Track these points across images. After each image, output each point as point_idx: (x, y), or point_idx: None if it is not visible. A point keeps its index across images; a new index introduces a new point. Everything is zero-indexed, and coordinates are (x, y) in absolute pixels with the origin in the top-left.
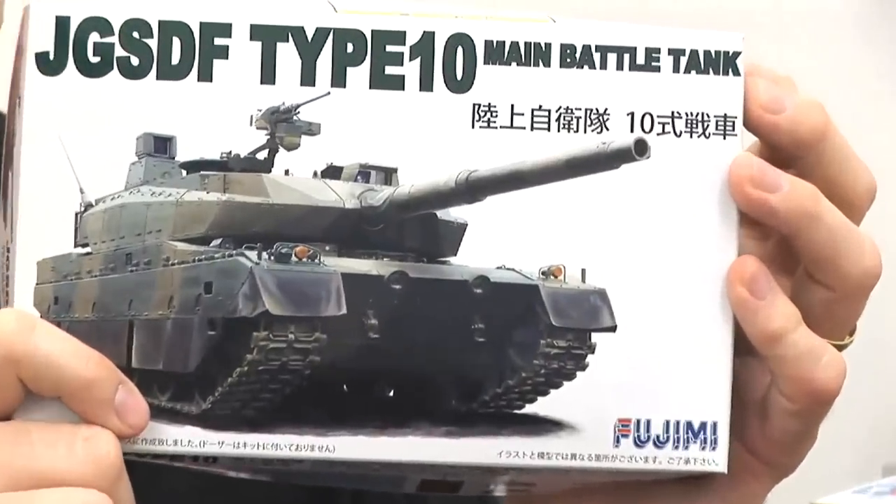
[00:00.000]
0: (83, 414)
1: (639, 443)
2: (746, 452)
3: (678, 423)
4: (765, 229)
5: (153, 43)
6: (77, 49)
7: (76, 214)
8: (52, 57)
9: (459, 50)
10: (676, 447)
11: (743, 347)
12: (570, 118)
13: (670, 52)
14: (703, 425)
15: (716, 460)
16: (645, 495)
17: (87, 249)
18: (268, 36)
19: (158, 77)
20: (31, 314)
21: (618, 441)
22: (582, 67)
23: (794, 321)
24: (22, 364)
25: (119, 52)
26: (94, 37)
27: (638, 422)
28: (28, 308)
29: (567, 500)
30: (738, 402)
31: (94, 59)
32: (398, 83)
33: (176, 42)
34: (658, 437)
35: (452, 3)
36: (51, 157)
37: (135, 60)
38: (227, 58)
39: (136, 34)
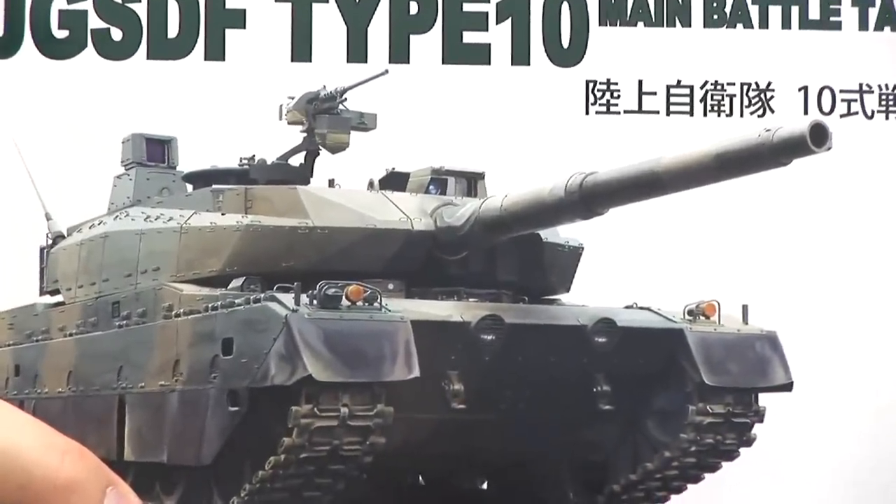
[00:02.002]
0: None
1: None
2: None
3: None
4: None
5: (141, 8)
6: (36, 21)
7: (41, 250)
8: (1, 32)
9: (565, 6)
10: None
11: None
12: (719, 97)
13: (855, 1)
14: None
15: None
16: None
17: (59, 298)
18: None
19: (150, 55)
20: None
21: None
22: (734, 26)
23: None
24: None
25: (94, 22)
26: (61, 3)
27: None
28: None
29: None
30: None
31: (61, 34)
32: (482, 55)
33: (173, 7)
34: None
35: None
36: (2, 170)
37: (116, 34)
38: (243, 26)
39: None
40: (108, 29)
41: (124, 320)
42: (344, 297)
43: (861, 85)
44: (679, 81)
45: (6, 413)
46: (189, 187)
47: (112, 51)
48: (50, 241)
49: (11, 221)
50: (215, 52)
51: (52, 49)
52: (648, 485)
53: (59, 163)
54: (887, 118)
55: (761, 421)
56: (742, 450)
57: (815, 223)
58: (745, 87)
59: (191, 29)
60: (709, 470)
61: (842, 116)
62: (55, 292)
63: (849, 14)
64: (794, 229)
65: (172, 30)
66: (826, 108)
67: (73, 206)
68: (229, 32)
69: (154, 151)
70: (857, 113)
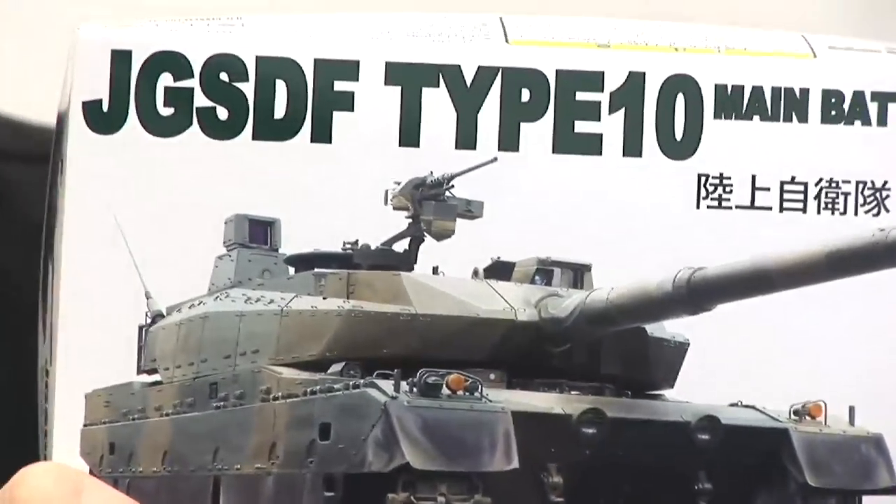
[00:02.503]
0: None
1: None
2: None
3: None
4: None
5: (248, 88)
6: (142, 97)
7: (140, 328)
8: (106, 107)
9: (680, 98)
10: None
11: None
12: (834, 195)
13: None
14: None
15: None
16: None
17: (156, 377)
18: (410, 77)
19: (255, 136)
20: (76, 471)
21: None
22: (852, 123)
23: None
24: None
25: (200, 100)
26: (167, 79)
27: None
28: (73, 459)
29: None
30: None
31: (166, 112)
32: (593, 145)
33: (281, 87)
34: None
35: (665, 26)
36: (104, 246)
37: (223, 113)
38: (352, 109)
39: (224, 76)
40: (215, 108)
41: (222, 402)
42: (444, 386)
43: None
44: (793, 178)
45: (101, 493)
46: (291, 270)
47: (217, 130)
48: (149, 320)
49: (111, 299)
50: (322, 134)
51: (157, 126)
52: None
53: (160, 242)
54: None
55: None
56: None
57: None
58: (861, 186)
59: (298, 110)
60: None
61: None
62: (152, 371)
63: None
64: None
65: (279, 110)
66: None
67: (173, 286)
68: (337, 115)
69: (257, 233)
70: None
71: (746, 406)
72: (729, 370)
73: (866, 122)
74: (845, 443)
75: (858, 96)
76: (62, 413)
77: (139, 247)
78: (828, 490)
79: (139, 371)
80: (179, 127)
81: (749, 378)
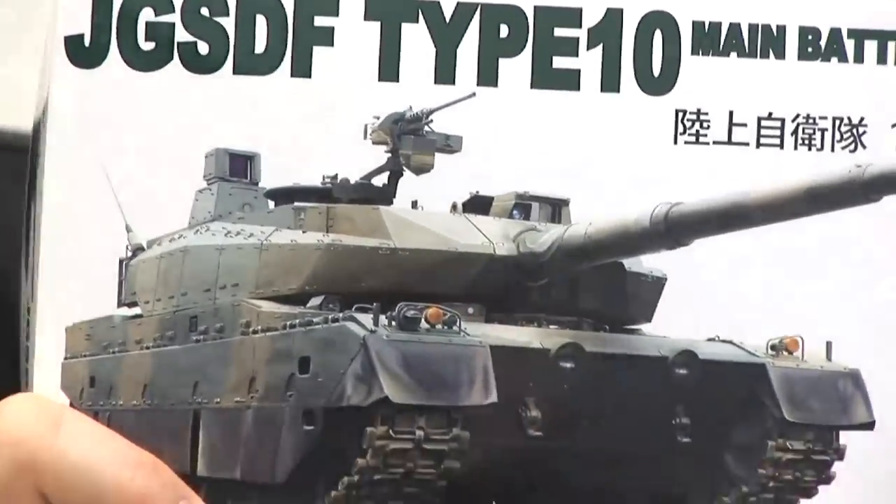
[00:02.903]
0: None
1: None
2: None
3: None
4: None
5: (229, 23)
6: (123, 31)
7: (121, 262)
8: (88, 42)
9: (658, 34)
10: None
11: None
12: (811, 131)
13: None
14: None
15: None
16: None
17: (137, 311)
18: (390, 13)
19: (236, 70)
20: (56, 404)
21: None
22: (828, 59)
23: None
24: (42, 475)
25: (182, 35)
26: (148, 14)
27: None
28: (54, 393)
29: None
30: None
31: (147, 46)
32: (571, 80)
33: (261, 21)
34: None
35: None
36: (85, 181)
37: (203, 48)
38: (331, 44)
39: (205, 10)
40: (195, 42)
41: (202, 335)
42: (423, 320)
43: None
44: (770, 114)
45: (81, 425)
46: (271, 204)
47: (198, 65)
48: (129, 254)
49: (91, 233)
50: (302, 69)
51: (138, 61)
52: None
53: (141, 176)
54: None
55: (841, 459)
56: (821, 487)
57: None
58: (838, 122)
59: (278, 45)
60: None
61: None
62: (133, 304)
63: None
64: (882, 267)
65: (260, 45)
66: None
67: (153, 220)
68: (317, 49)
69: (237, 167)
70: None
71: (724, 341)
72: (706, 305)
73: (843, 59)
74: (822, 378)
75: (835, 33)
76: (43, 346)
77: (120, 181)
78: (805, 425)
79: (119, 304)
80: (160, 61)
81: (727, 313)
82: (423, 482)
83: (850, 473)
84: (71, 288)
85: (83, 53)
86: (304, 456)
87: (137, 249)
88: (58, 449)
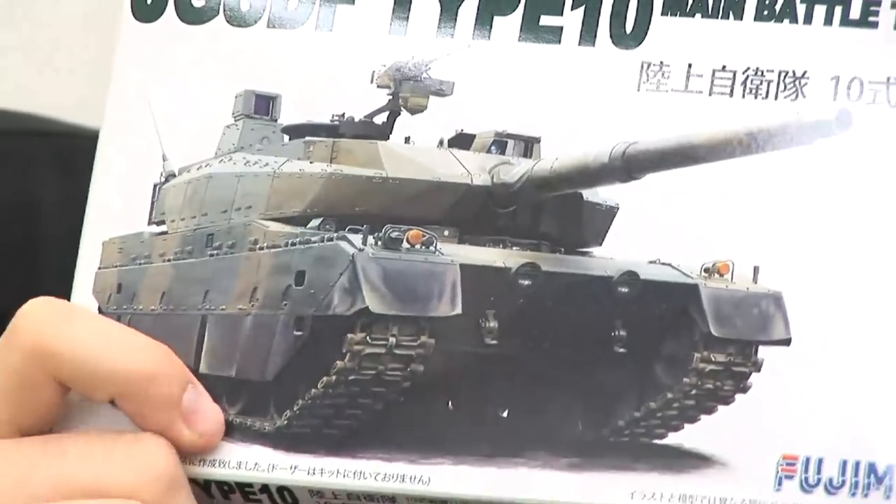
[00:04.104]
0: (141, 419)
1: (806, 487)
2: None
3: (857, 464)
4: None
5: None
6: None
7: (155, 186)
8: (149, 1)
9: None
10: (854, 494)
11: None
12: (758, 82)
13: (894, 4)
14: (889, 470)
15: None
16: None
17: (163, 228)
18: None
19: (269, 25)
20: (64, 301)
21: (780, 483)
22: (781, 21)
23: None
24: (57, 360)
25: None
26: None
27: (807, 460)
28: (87, 297)
29: None
30: None
31: (199, 2)
32: (554, 35)
33: None
34: (831, 479)
35: None
36: (135, 118)
37: (245, 5)
38: (352, 2)
39: None
40: (239, 0)
41: (215, 250)
42: (405, 240)
43: (889, 77)
44: (724, 66)
45: (87, 318)
46: (285, 138)
47: (239, 19)
48: (163, 179)
49: (134, 161)
50: (325, 23)
51: (189, 16)
52: (650, 422)
53: (181, 113)
54: None
55: (758, 371)
56: (738, 396)
57: (830, 198)
58: (783, 74)
59: (306, 3)
60: (706, 412)
61: (868, 104)
62: (161, 223)
63: (886, 15)
64: (811, 200)
65: (292, 4)
66: (854, 97)
67: (189, 151)
68: (339, 7)
69: (260, 105)
70: (882, 102)
71: (663, 264)
72: (651, 231)
73: (794, 20)
74: (747, 298)
75: None
76: (84, 258)
77: (164, 117)
78: (728, 340)
79: (149, 222)
80: (207, 17)
81: (667, 237)
82: (390, 383)
83: (766, 384)
84: (111, 208)
85: (145, 10)
86: (292, 358)
87: (170, 175)
88: (71, 336)
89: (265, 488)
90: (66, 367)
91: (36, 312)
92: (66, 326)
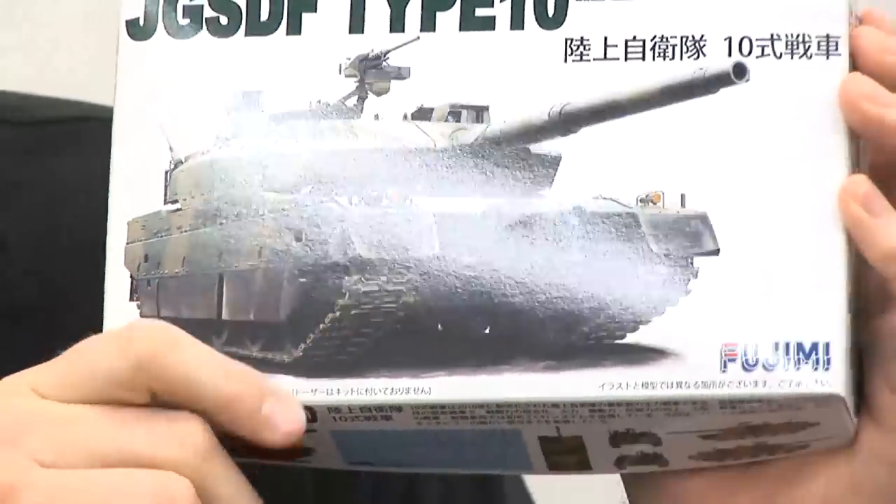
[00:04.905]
0: (227, 427)
1: (747, 367)
2: (894, 396)
3: (788, 344)
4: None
5: (241, 2)
6: (166, 12)
7: (166, 172)
8: (141, 23)
9: None
10: (787, 369)
11: (872, 295)
12: (665, 46)
13: None
14: (814, 346)
15: (830, 381)
16: (793, 476)
17: (177, 206)
18: None
19: (247, 34)
20: (173, 328)
21: (724, 366)
22: None
23: None
24: (165, 376)
25: (208, 12)
26: (183, 1)
27: (745, 345)
28: (119, 268)
29: (708, 489)
30: (876, 350)
31: (183, 22)
32: (489, 24)
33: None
34: (767, 359)
35: None
36: (142, 119)
37: (223, 19)
38: (315, 10)
39: None
40: (218, 16)
41: (224, 220)
42: (384, 197)
43: (772, 34)
44: (634, 36)
45: (189, 347)
46: (273, 125)
47: (220, 32)
48: (172, 166)
49: (146, 154)
50: (294, 28)
51: (177, 33)
52: (609, 327)
53: (180, 112)
54: (792, 58)
55: (696, 277)
56: (680, 299)
57: (736, 135)
58: (684, 39)
59: (277, 13)
60: (656, 314)
61: (757, 58)
62: (174, 202)
63: None
64: (722, 138)
65: (264, 15)
66: (745, 52)
67: (190, 141)
68: (305, 15)
69: (250, 101)
70: (769, 55)
71: (605, 199)
72: (591, 172)
73: None
74: (679, 219)
75: None
76: (112, 238)
77: (166, 117)
78: (667, 254)
79: (165, 202)
80: (193, 32)
81: (606, 177)
82: (387, 313)
83: (704, 287)
84: (131, 194)
85: (138, 31)
86: (299, 300)
87: (178, 163)
88: (181, 359)
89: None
90: (164, 388)
91: (154, 331)
92: (178, 349)
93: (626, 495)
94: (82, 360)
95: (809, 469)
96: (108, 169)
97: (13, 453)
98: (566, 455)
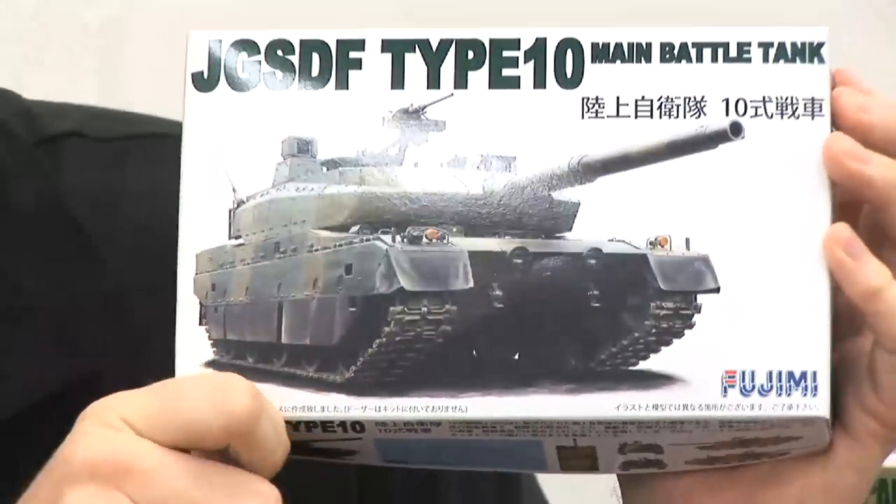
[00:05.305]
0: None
1: (744, 392)
2: (865, 414)
3: (780, 372)
4: (846, 211)
5: (295, 59)
6: (228, 67)
7: (229, 211)
8: (206, 76)
9: (569, 52)
10: (780, 395)
11: (846, 323)
12: (670, 106)
13: (760, 44)
14: (803, 374)
15: (817, 406)
16: (771, 479)
17: (240, 241)
18: (397, 48)
19: (300, 87)
20: (261, 393)
21: (725, 391)
22: (680, 62)
23: (888, 278)
24: (240, 442)
25: (265, 68)
26: (243, 56)
27: (743, 373)
28: (190, 296)
29: (696, 488)
30: (850, 371)
31: (243, 76)
32: (514, 83)
33: (315, 57)
34: (762, 385)
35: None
36: (207, 163)
37: (279, 74)
38: (360, 68)
39: (279, 52)
40: (274, 71)
41: (282, 254)
42: (424, 237)
43: (764, 97)
44: (643, 97)
45: (270, 416)
46: (324, 169)
47: (275, 85)
48: (235, 205)
49: (212, 194)
50: (342, 84)
51: (237, 85)
52: (624, 355)
53: (242, 157)
54: (782, 118)
55: (699, 312)
56: (686, 331)
57: (734, 187)
58: (687, 100)
59: (326, 70)
60: (665, 345)
61: (751, 118)
62: (238, 237)
63: (756, 52)
64: (721, 189)
65: (315, 71)
66: (741, 112)
67: (250, 183)
68: (352, 72)
69: (302, 147)
70: (761, 115)
71: (619, 241)
72: (606, 217)
73: (689, 60)
74: (684, 261)
75: (684, 45)
76: (183, 269)
77: (228, 161)
78: (673, 292)
79: (229, 238)
80: (252, 85)
81: (620, 221)
82: (427, 340)
83: (706, 321)
84: (199, 229)
85: (203, 83)
86: (350, 327)
87: (240, 202)
88: (255, 430)
89: (342, 423)
90: (241, 447)
91: (243, 403)
92: (258, 423)
93: (618, 486)
94: (176, 405)
95: (787, 472)
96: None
97: (114, 492)
98: (578, 460)
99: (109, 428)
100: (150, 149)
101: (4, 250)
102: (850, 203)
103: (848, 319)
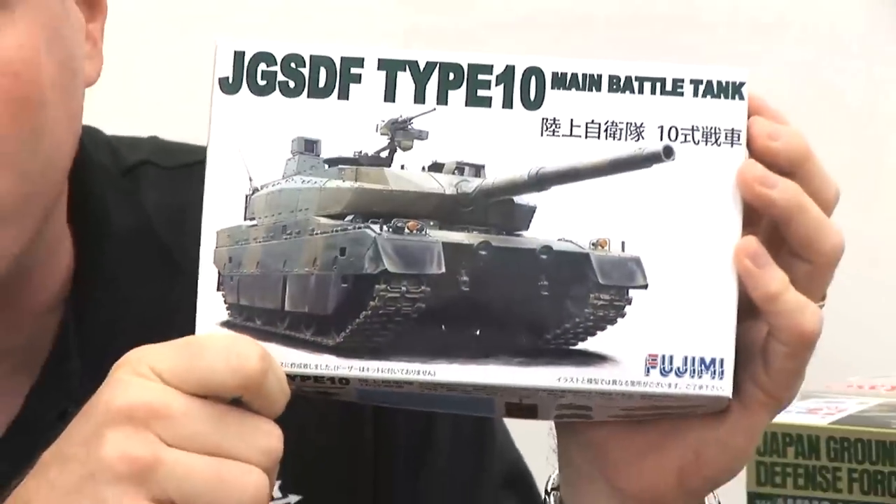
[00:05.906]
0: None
1: (664, 373)
2: (756, 388)
3: (694, 358)
4: (755, 221)
5: (305, 71)
6: (249, 74)
7: (246, 196)
8: (231, 81)
9: (533, 78)
10: (693, 376)
11: (745, 313)
12: (614, 130)
13: (692, 81)
14: (713, 360)
15: (722, 387)
16: (675, 430)
17: (254, 222)
18: (390, 66)
19: (308, 96)
20: (269, 354)
21: (648, 371)
22: (625, 92)
23: (786, 284)
24: (250, 393)
25: (280, 77)
26: (262, 66)
27: (663, 356)
28: (210, 264)
29: (615, 434)
30: (746, 352)
31: (262, 83)
32: (487, 102)
33: (322, 71)
34: (678, 368)
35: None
36: (229, 155)
37: (291, 83)
38: (359, 82)
39: (292, 65)
40: (287, 80)
41: (288, 236)
42: (406, 228)
43: (692, 126)
44: (593, 120)
45: (275, 371)
46: (326, 166)
47: (288, 92)
48: (251, 192)
49: (232, 182)
50: (344, 95)
51: (257, 90)
52: (567, 336)
53: (258, 152)
54: (706, 145)
55: (630, 304)
56: (619, 319)
57: (664, 201)
58: (629, 125)
59: (331, 82)
60: (601, 330)
61: (681, 143)
62: (252, 219)
63: (688, 87)
64: (653, 202)
65: (322, 82)
66: (673, 138)
67: (264, 174)
68: (352, 85)
69: (308, 147)
70: (689, 141)
71: (567, 241)
72: (557, 220)
73: (632, 91)
74: (619, 260)
75: (629, 78)
76: (206, 243)
77: (246, 155)
78: (610, 286)
79: (244, 219)
80: (269, 91)
81: (568, 224)
82: (405, 314)
83: (635, 312)
84: (220, 211)
85: (228, 87)
86: (342, 300)
87: (255, 190)
88: (265, 385)
89: (331, 378)
90: (248, 396)
91: (252, 359)
92: (266, 378)
93: (553, 427)
94: (202, 361)
95: (688, 426)
96: None
97: (147, 433)
98: (522, 412)
99: (142, 377)
100: (201, 174)
101: (112, 272)
102: (755, 211)
103: (748, 311)
